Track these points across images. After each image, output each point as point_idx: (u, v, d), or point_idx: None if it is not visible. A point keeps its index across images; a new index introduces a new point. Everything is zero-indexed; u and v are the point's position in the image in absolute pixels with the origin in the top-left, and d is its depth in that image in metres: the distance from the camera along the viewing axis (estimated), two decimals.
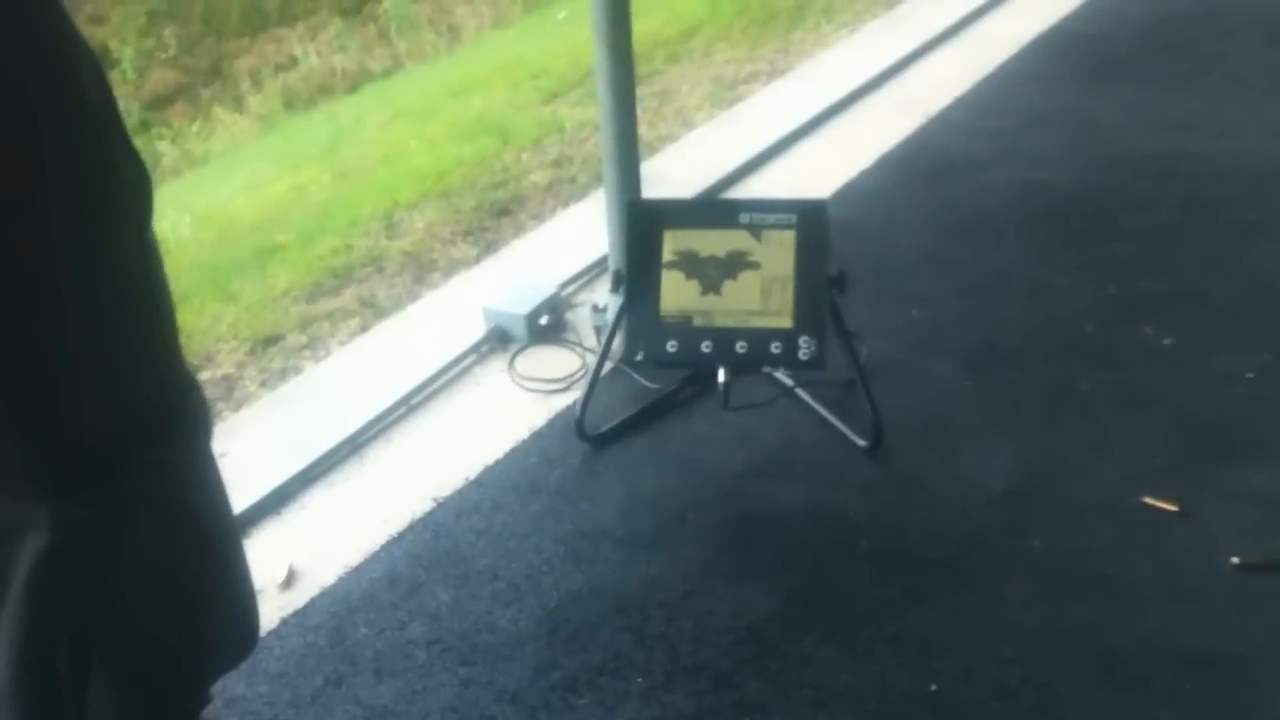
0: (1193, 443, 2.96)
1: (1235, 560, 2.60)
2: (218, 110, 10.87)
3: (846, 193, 4.14)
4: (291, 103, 11.13)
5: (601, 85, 3.19)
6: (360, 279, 4.02)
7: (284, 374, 3.56)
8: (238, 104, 11.32)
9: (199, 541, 1.37)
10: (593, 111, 4.94)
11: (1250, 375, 3.15)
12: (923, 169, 4.30)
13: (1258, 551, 2.61)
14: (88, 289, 1.18)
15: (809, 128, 4.63)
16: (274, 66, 12.30)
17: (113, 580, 1.28)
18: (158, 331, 1.28)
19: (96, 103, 1.20)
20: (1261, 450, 2.92)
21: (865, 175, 4.27)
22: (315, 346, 3.68)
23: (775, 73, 5.30)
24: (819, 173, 4.28)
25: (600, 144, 3.34)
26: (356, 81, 11.08)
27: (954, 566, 2.68)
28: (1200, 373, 3.19)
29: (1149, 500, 2.78)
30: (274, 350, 3.68)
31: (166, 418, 1.30)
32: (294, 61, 12.26)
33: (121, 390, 1.23)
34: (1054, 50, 5.16)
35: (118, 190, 1.21)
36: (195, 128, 10.50)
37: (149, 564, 1.30)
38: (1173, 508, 2.76)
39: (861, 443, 3.01)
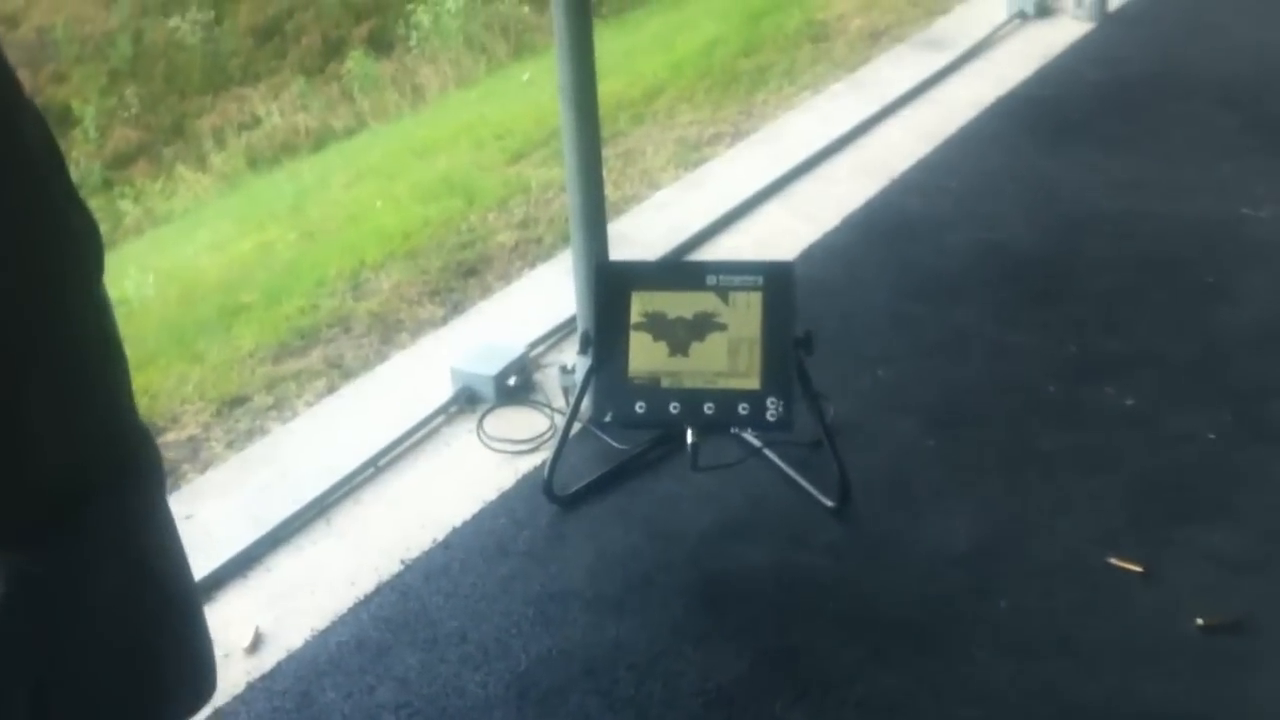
0: (1154, 503, 2.99)
1: (1199, 621, 2.63)
2: (180, 169, 10.87)
3: (811, 253, 4.18)
4: (255, 161, 11.13)
5: (568, 147, 3.21)
6: (327, 339, 4.01)
7: (250, 435, 3.55)
8: (200, 162, 11.31)
9: (154, 591, 1.38)
10: (558, 172, 4.97)
11: (1211, 436, 3.19)
12: (885, 230, 4.34)
13: (1220, 612, 2.64)
14: (37, 343, 1.18)
15: (773, 189, 4.66)
16: (237, 125, 12.30)
17: (69, 630, 1.28)
18: (109, 384, 1.29)
19: (42, 158, 1.21)
20: (1223, 511, 2.95)
21: (829, 236, 4.30)
22: (282, 407, 3.67)
23: (739, 134, 5.34)
24: (783, 233, 4.31)
25: (566, 205, 3.35)
26: (320, 140, 11.09)
27: (920, 627, 2.70)
28: (1161, 433, 3.22)
29: (1114, 561, 2.80)
30: (240, 411, 3.67)
31: (119, 469, 1.30)
32: (257, 120, 12.26)
33: (74, 441, 1.24)
34: (1012, 113, 5.22)
35: (66, 245, 1.22)
36: (158, 186, 10.49)
37: (105, 613, 1.31)
38: (1137, 568, 2.78)
39: (829, 503, 3.03)
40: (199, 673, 1.51)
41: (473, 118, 7.09)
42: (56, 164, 1.23)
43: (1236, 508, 2.96)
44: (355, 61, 12.86)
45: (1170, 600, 2.70)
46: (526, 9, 13.03)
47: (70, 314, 1.23)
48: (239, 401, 3.72)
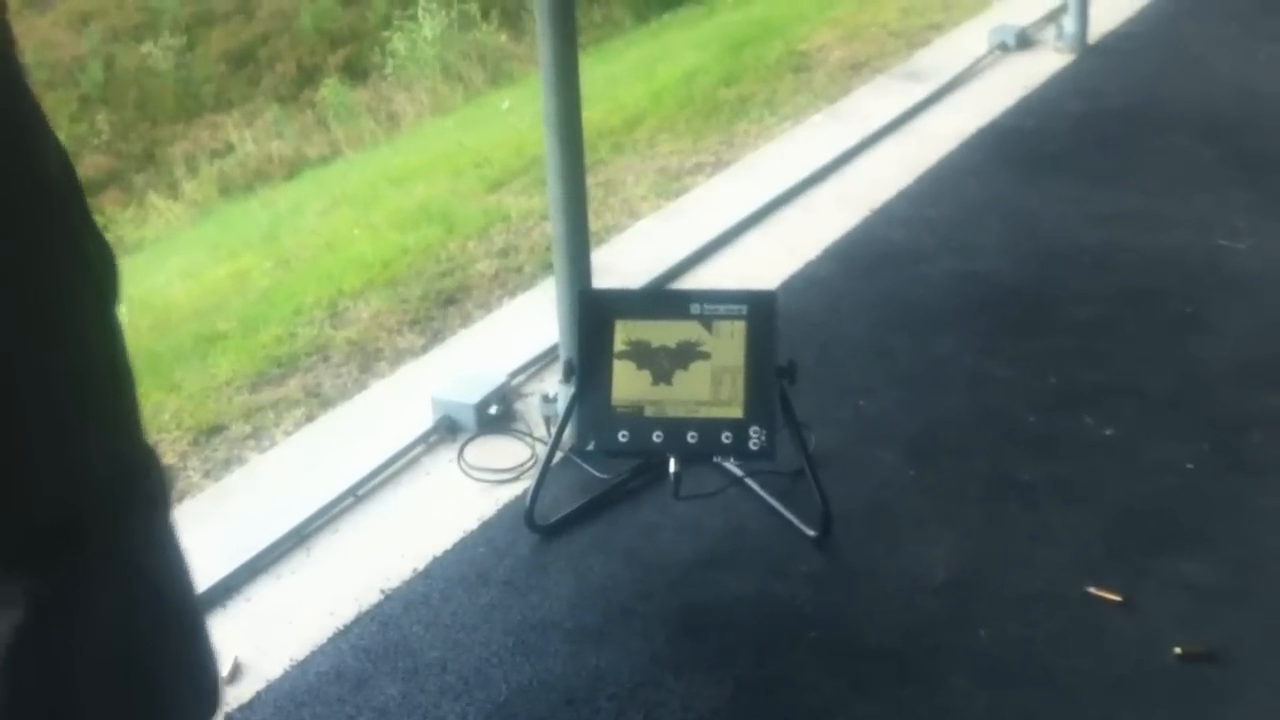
0: (1133, 533, 3.00)
1: (1177, 650, 2.63)
2: (151, 196, 10.86)
3: (792, 284, 4.19)
4: (228, 189, 11.13)
5: (552, 176, 3.22)
6: (305, 368, 4.00)
7: (228, 464, 3.53)
8: (172, 190, 11.30)
9: (161, 614, 1.39)
10: (538, 201, 4.98)
11: (1190, 466, 3.20)
12: (866, 260, 4.35)
13: (1198, 641, 2.65)
14: (49, 368, 1.19)
15: (754, 219, 4.67)
16: (209, 153, 12.30)
17: (81, 654, 1.28)
18: (119, 407, 1.31)
19: (62, 186, 1.22)
20: (1200, 541, 2.96)
21: (810, 266, 4.31)
22: (260, 436, 3.65)
23: (720, 164, 5.35)
24: (765, 264, 4.33)
25: (547, 233, 3.35)
26: (294, 168, 11.09)
27: (900, 657, 2.70)
28: (1140, 463, 3.24)
29: (1093, 590, 2.81)
30: (218, 440, 3.65)
31: (129, 491, 1.31)
32: (230, 148, 12.26)
33: (85, 465, 1.25)
34: (993, 144, 5.25)
35: (83, 273, 1.24)
36: (129, 214, 10.48)
37: (113, 637, 1.31)
38: (1116, 598, 2.79)
39: (810, 532, 3.02)
40: (203, 694, 1.52)
41: (450, 146, 7.11)
42: (74, 191, 1.25)
43: (1214, 537, 2.98)
44: (330, 89, 12.87)
45: (1148, 629, 2.70)
46: (504, 37, 13.08)
47: (83, 340, 1.24)
48: (216, 430, 3.70)
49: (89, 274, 1.26)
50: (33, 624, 1.23)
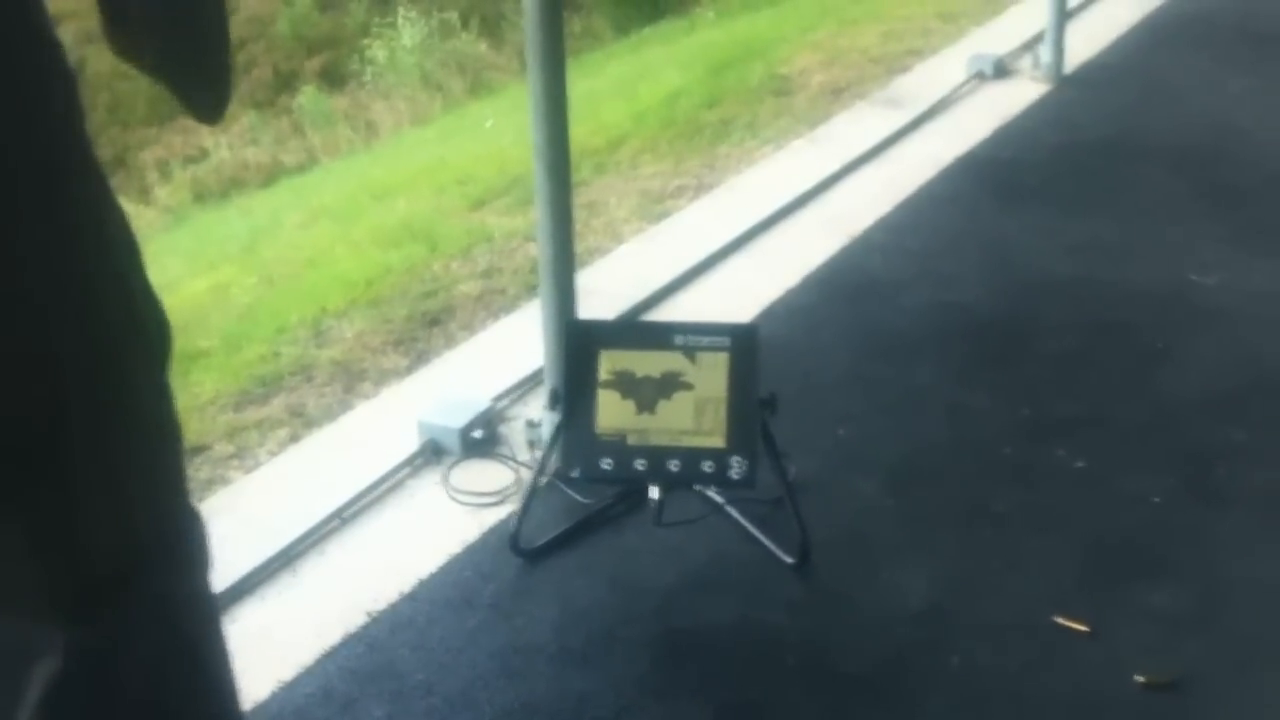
0: (1102, 563, 3.08)
1: (1140, 679, 2.70)
2: (122, 202, 10.79)
3: (773, 310, 4.23)
4: (202, 196, 11.07)
5: (540, 205, 3.27)
6: (289, 388, 4.01)
7: (211, 485, 3.54)
8: (144, 195, 11.22)
9: (193, 675, 1.41)
10: (520, 220, 5.01)
11: (1157, 499, 3.27)
12: (846, 288, 4.41)
13: (1161, 670, 2.72)
14: (103, 430, 1.23)
15: (736, 244, 4.70)
16: (183, 158, 12.22)
17: (117, 709, 1.31)
18: (165, 467, 1.34)
19: (121, 252, 1.26)
20: (1166, 570, 3.04)
21: (791, 294, 4.36)
22: (244, 456, 3.66)
23: (702, 187, 5.38)
24: (746, 290, 4.37)
25: (531, 255, 3.37)
26: (271, 175, 11.04)
27: (876, 683, 2.76)
28: (1110, 495, 3.31)
29: (1060, 620, 2.87)
30: (200, 460, 3.64)
31: (170, 550, 1.34)
32: (204, 153, 12.19)
33: (130, 521, 1.28)
34: (971, 174, 5.30)
35: (136, 338, 1.27)
36: None
37: (144, 694, 1.34)
38: (1083, 628, 2.85)
39: (789, 560, 3.08)
40: None
41: (431, 160, 7.10)
42: (132, 256, 1.29)
43: (1180, 568, 3.05)
44: (307, 96, 12.82)
45: (1114, 658, 2.77)
46: (484, 46, 13.05)
47: (133, 403, 1.27)
48: (199, 450, 3.68)
49: (142, 340, 1.29)
50: (69, 673, 1.26)
